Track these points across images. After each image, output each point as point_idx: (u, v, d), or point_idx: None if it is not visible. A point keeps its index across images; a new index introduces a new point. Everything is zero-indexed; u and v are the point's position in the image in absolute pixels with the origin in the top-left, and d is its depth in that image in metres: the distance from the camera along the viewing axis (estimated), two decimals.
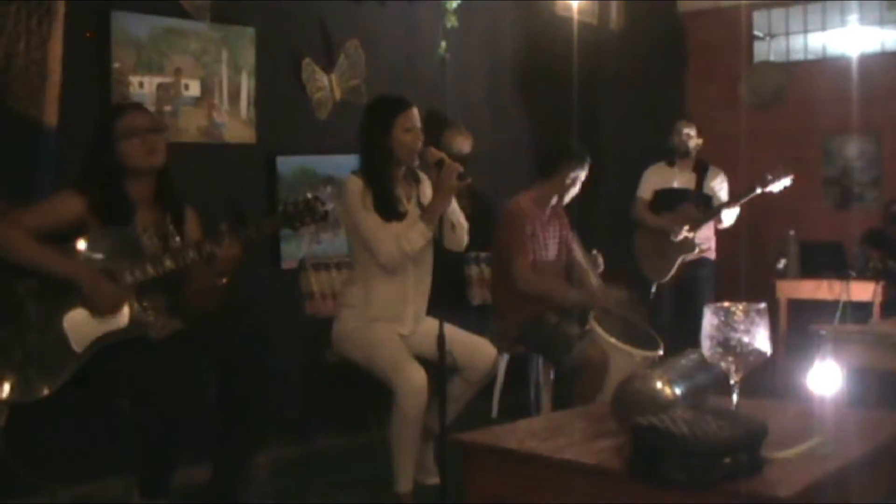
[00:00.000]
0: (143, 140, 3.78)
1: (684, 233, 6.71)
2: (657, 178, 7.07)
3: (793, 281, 7.31)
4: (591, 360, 4.82)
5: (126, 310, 3.67)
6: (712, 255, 6.97)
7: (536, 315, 5.15)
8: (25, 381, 3.54)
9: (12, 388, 3.53)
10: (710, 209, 6.86)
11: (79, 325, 3.60)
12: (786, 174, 6.62)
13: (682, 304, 6.69)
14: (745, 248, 7.38)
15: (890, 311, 6.44)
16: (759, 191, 6.63)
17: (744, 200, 6.72)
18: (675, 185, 7.00)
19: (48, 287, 3.59)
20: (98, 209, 3.70)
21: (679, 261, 6.73)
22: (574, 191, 5.42)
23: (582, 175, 5.39)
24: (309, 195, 3.98)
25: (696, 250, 6.74)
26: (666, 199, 6.97)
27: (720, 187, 7.05)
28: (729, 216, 6.80)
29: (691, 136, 6.99)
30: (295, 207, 3.92)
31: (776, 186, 6.63)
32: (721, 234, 7.04)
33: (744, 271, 7.54)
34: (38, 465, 4.09)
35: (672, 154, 7.05)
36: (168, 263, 3.70)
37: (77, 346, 3.59)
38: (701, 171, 7.03)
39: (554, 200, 5.42)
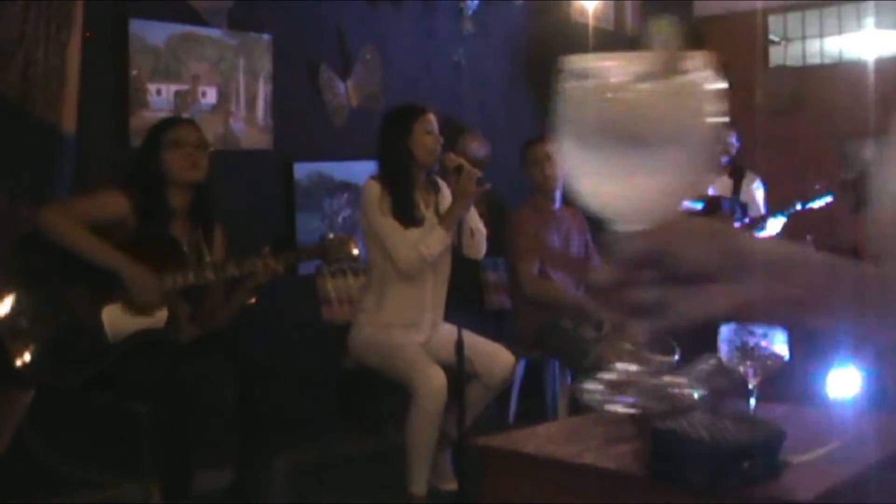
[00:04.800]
0: (188, 154, 3.88)
1: None
2: None
3: None
4: (607, 364, 4.80)
5: (164, 310, 3.73)
6: None
7: (553, 320, 5.16)
8: (57, 364, 3.58)
9: (43, 369, 3.57)
10: (748, 219, 6.79)
11: (117, 317, 3.65)
12: (826, 191, 6.60)
13: None
14: None
15: None
16: (798, 207, 6.59)
17: (784, 215, 6.66)
18: (710, 191, 6.91)
19: (93, 275, 3.63)
20: (138, 212, 3.76)
21: None
22: (546, 177, 5.38)
23: (540, 155, 5.37)
24: (345, 236, 4.07)
25: None
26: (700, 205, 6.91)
27: (756, 194, 7.00)
28: (773, 227, 6.72)
29: (732, 145, 6.90)
30: (332, 245, 3.99)
31: (816, 203, 6.60)
32: None
33: None
34: (63, 457, 4.12)
35: None
36: (209, 274, 3.78)
37: (113, 337, 3.63)
38: (737, 177, 6.96)
39: (556, 202, 5.43)
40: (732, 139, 6.89)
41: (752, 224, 6.72)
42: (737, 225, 6.71)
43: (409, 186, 4.48)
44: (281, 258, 3.88)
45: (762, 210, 6.91)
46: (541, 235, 5.32)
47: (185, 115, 4.85)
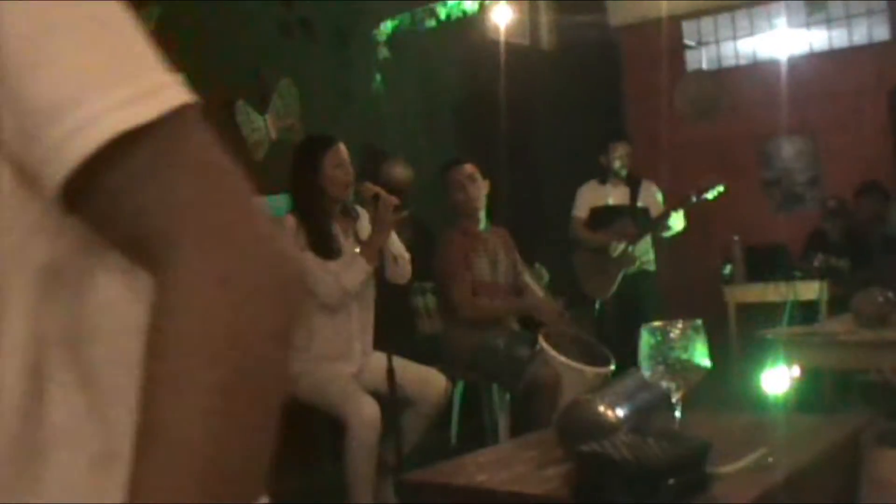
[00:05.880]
0: None
1: (622, 249, 6.77)
2: (591, 196, 7.11)
3: (740, 286, 7.38)
4: (543, 381, 4.82)
5: None
6: (652, 266, 7.02)
7: (485, 341, 5.16)
8: None
9: None
10: (647, 223, 6.91)
11: None
12: (718, 181, 6.71)
13: (627, 320, 6.70)
14: (691, 257, 7.43)
15: (837, 308, 6.52)
16: (693, 199, 6.71)
17: (679, 210, 6.77)
18: (610, 201, 7.04)
19: None
20: None
21: (620, 276, 6.77)
22: (468, 199, 5.41)
23: (461, 177, 5.39)
24: None
25: (637, 264, 6.79)
26: (603, 217, 7.01)
27: (656, 198, 7.11)
28: (675, 221, 6.83)
29: (625, 156, 7.02)
30: None
31: (710, 194, 6.71)
32: (665, 245, 7.07)
33: (691, 280, 7.60)
34: None
35: (604, 172, 7.10)
36: None
37: None
38: (634, 186, 7.07)
39: (481, 223, 5.44)
40: (627, 150, 7.02)
41: (655, 222, 6.86)
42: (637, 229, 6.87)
43: (323, 219, 4.48)
44: None
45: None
46: (469, 259, 5.32)
47: None
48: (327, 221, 4.49)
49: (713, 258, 7.57)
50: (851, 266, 7.00)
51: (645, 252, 6.92)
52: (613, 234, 6.83)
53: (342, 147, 4.53)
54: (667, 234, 6.91)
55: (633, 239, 6.79)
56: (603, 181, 7.10)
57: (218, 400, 0.75)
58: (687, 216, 6.82)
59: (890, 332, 4.58)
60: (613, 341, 6.67)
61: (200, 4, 5.43)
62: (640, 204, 7.02)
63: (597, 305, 6.88)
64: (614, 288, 6.78)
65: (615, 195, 7.05)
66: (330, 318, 4.47)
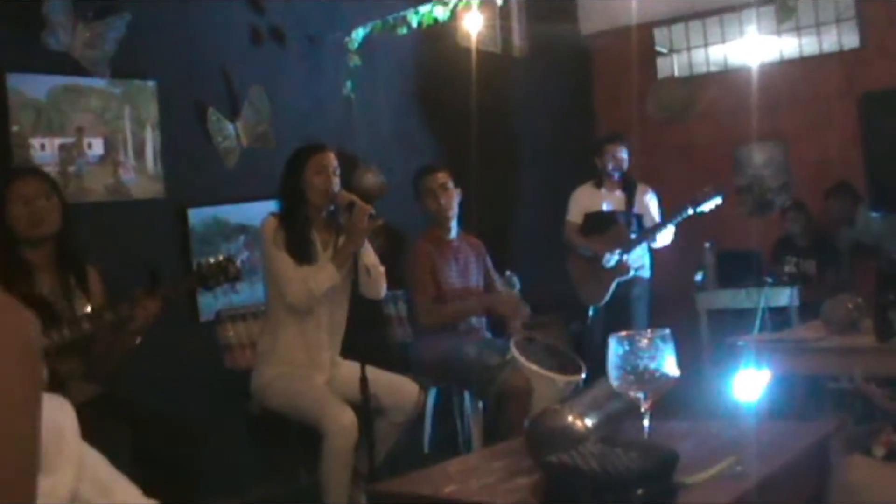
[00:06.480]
0: (29, 209, 3.74)
1: (616, 258, 6.71)
2: (585, 201, 7.03)
3: (711, 292, 7.39)
4: (514, 388, 4.81)
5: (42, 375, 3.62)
6: (646, 272, 6.96)
7: (456, 349, 5.15)
8: None
9: None
10: (641, 231, 6.86)
11: None
12: (715, 193, 6.64)
13: (618, 325, 6.66)
14: (667, 263, 7.44)
15: (808, 314, 6.53)
16: (690, 211, 6.64)
17: (676, 221, 6.71)
18: (605, 207, 6.98)
19: None
20: None
21: (614, 284, 6.72)
22: (441, 207, 5.41)
23: (434, 185, 5.40)
24: (221, 256, 3.99)
25: (631, 272, 6.74)
26: (597, 222, 6.93)
27: (651, 204, 7.06)
28: (664, 236, 6.77)
29: (623, 159, 6.95)
30: (208, 268, 3.92)
31: (707, 206, 6.65)
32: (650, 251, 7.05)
33: (668, 286, 7.60)
34: None
35: (599, 175, 7.04)
36: (86, 326, 3.66)
37: None
38: (629, 190, 7.01)
39: (452, 231, 5.43)
40: (623, 153, 6.95)
41: (648, 233, 6.80)
42: (632, 236, 6.79)
43: (303, 224, 4.48)
44: (157, 295, 3.80)
45: (657, 219, 6.98)
46: (438, 267, 5.31)
47: (72, 168, 4.78)
48: (307, 227, 4.49)
49: (688, 264, 7.58)
50: (818, 268, 7.02)
51: (638, 258, 6.87)
52: (607, 242, 6.77)
53: (329, 155, 4.53)
54: (654, 244, 6.86)
55: (627, 248, 6.74)
56: (598, 185, 7.04)
57: None
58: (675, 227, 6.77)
59: (860, 338, 4.61)
60: (603, 346, 6.67)
61: (170, 10, 5.42)
62: (635, 210, 6.96)
63: (590, 312, 6.85)
64: (608, 296, 6.75)
65: (610, 200, 6.99)
66: (300, 325, 4.46)
